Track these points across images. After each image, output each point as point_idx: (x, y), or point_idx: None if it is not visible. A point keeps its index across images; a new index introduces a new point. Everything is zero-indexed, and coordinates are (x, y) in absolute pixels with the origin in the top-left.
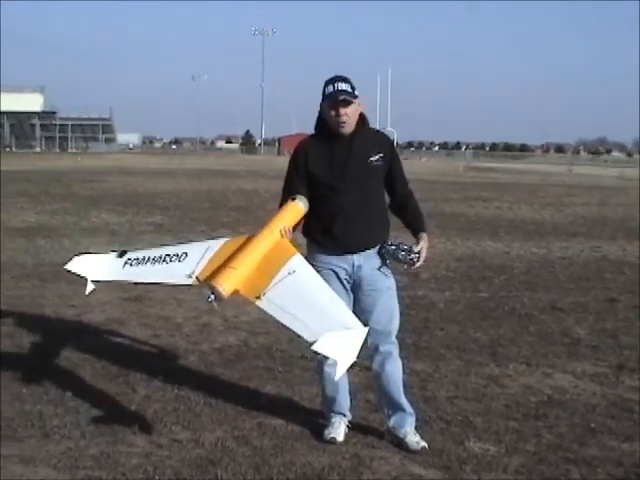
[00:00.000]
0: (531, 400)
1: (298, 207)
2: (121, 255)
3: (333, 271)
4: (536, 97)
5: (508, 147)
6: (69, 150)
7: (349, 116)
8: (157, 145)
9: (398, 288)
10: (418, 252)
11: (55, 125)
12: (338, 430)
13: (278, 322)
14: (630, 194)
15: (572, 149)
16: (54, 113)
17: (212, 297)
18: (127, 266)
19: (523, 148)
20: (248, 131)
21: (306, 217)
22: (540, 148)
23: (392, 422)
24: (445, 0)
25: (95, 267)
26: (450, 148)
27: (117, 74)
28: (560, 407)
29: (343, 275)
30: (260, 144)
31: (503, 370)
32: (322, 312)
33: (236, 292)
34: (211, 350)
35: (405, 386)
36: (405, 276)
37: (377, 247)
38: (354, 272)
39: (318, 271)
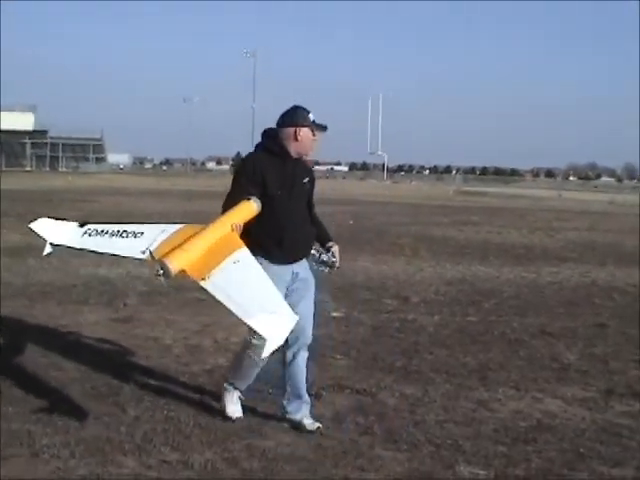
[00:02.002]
0: (520, 425)
1: (252, 206)
2: (82, 225)
3: (276, 282)
4: (526, 122)
5: (498, 171)
6: (60, 169)
7: (316, 144)
8: (148, 166)
9: (388, 312)
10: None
11: (46, 144)
12: (238, 408)
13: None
14: (620, 220)
15: (562, 174)
16: (45, 132)
17: (161, 272)
18: (86, 236)
19: (513, 172)
20: (239, 152)
21: (254, 228)
22: (530, 173)
23: (290, 408)
24: (437, 25)
25: (56, 232)
26: (440, 172)
27: (109, 94)
28: (549, 432)
29: (284, 284)
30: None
31: (492, 394)
32: (259, 297)
33: (183, 272)
34: (201, 371)
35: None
36: (395, 300)
37: (309, 253)
38: (293, 280)
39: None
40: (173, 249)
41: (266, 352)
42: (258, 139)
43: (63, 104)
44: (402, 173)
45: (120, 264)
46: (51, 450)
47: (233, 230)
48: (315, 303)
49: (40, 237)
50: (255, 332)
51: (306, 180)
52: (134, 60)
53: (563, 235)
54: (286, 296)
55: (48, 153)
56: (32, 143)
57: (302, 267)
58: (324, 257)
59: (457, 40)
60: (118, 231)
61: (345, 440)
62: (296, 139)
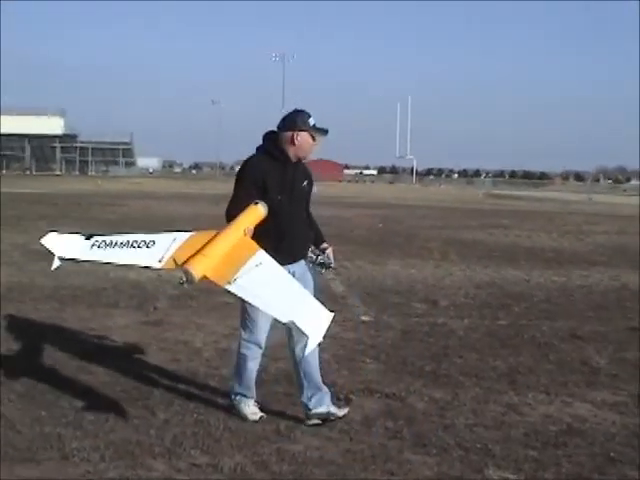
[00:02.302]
0: (550, 429)
1: (260, 211)
2: (88, 238)
3: None
4: (556, 125)
5: (527, 175)
6: (89, 173)
7: (313, 149)
8: (177, 170)
9: (418, 315)
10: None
11: (76, 148)
12: (256, 409)
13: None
14: None
15: (591, 177)
16: (75, 136)
17: (184, 279)
18: (94, 247)
19: (542, 176)
20: None
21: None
22: (559, 176)
23: (313, 403)
24: (462, 26)
25: (64, 245)
26: (469, 176)
27: (138, 98)
28: (579, 436)
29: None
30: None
31: (522, 398)
32: (292, 297)
33: (205, 277)
34: (231, 375)
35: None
36: (424, 303)
37: (306, 254)
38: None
39: None
40: (192, 256)
41: (309, 348)
42: None
43: (93, 108)
44: (431, 177)
45: (151, 269)
46: (81, 453)
47: (246, 234)
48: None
49: (49, 252)
50: (242, 326)
51: (305, 183)
52: (164, 63)
53: (593, 239)
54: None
55: (78, 157)
56: (62, 147)
57: (299, 267)
58: (320, 259)
59: (486, 43)
60: (128, 241)
61: (374, 444)
62: (293, 143)
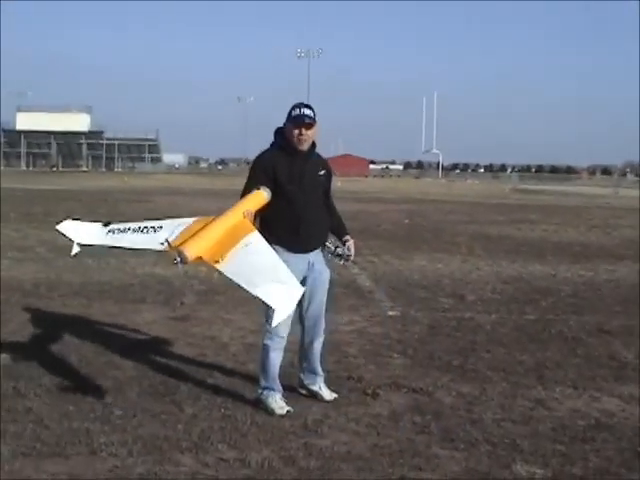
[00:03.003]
0: (578, 423)
1: (262, 195)
2: (106, 225)
3: (291, 269)
4: (582, 119)
5: (554, 169)
6: (115, 170)
7: (309, 136)
8: (203, 165)
9: (444, 310)
10: (349, 249)
11: (102, 145)
12: (283, 403)
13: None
14: None
15: (619, 171)
16: (101, 133)
17: (178, 259)
18: (110, 233)
19: (569, 170)
20: None
21: (270, 220)
22: (586, 170)
23: (307, 380)
24: (487, 24)
25: (82, 232)
26: (495, 170)
27: (164, 95)
28: (607, 431)
29: (299, 274)
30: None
31: (550, 393)
32: (267, 271)
33: (199, 258)
34: (257, 370)
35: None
36: (451, 298)
37: (324, 243)
38: (309, 269)
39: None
40: (188, 238)
41: (275, 321)
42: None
43: (119, 105)
44: (457, 171)
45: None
46: (109, 448)
47: (245, 217)
48: (330, 295)
49: (66, 238)
50: (267, 317)
51: (322, 173)
52: (190, 61)
53: (620, 233)
54: (301, 282)
55: (104, 154)
56: (88, 144)
57: (317, 258)
58: (339, 250)
59: (513, 38)
60: (139, 227)
61: (402, 439)
62: (290, 134)
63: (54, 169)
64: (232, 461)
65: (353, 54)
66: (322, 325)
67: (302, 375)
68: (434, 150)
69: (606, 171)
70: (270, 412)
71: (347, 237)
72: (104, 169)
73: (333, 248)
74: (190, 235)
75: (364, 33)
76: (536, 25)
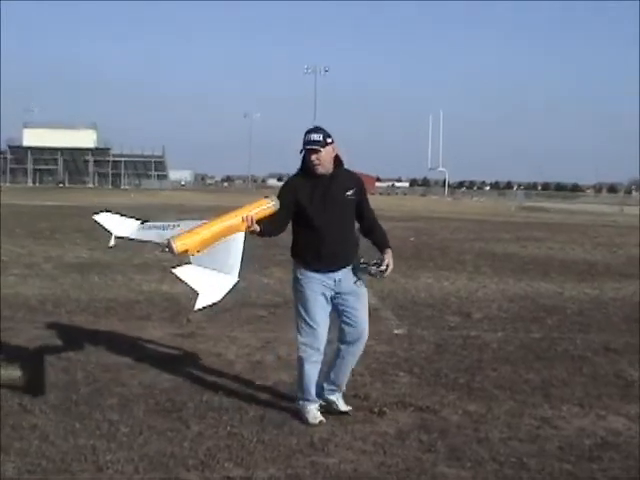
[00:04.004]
0: (585, 442)
1: (267, 203)
2: (143, 222)
3: (317, 285)
4: (588, 136)
5: (560, 187)
6: (122, 186)
7: (320, 160)
8: (209, 182)
9: (451, 328)
10: (386, 264)
11: (108, 161)
12: (318, 413)
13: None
14: None
15: (624, 189)
16: (108, 149)
17: (166, 249)
18: (142, 229)
19: (575, 188)
20: None
21: (296, 241)
22: (592, 188)
23: (328, 389)
24: (494, 41)
25: (119, 225)
26: (501, 188)
27: (170, 111)
28: (614, 449)
29: (327, 290)
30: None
31: (556, 412)
32: (217, 261)
33: (185, 251)
34: (264, 387)
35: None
36: (457, 316)
37: (352, 264)
38: (336, 285)
39: (305, 284)
40: (186, 233)
41: (198, 305)
42: None
43: (125, 122)
44: (463, 189)
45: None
46: (115, 465)
47: (243, 221)
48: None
49: (104, 229)
50: (297, 330)
51: (350, 192)
52: (196, 77)
53: (626, 251)
54: (332, 299)
55: (110, 170)
56: (94, 160)
57: (347, 276)
58: (372, 270)
59: (517, 57)
60: (162, 225)
61: (408, 457)
62: (307, 160)
63: (61, 185)
64: (238, 479)
65: (360, 71)
66: (362, 340)
67: (325, 383)
68: (440, 168)
69: (612, 189)
70: (304, 422)
71: (386, 250)
72: (110, 186)
73: (364, 267)
74: (188, 231)
75: (372, 50)
76: (542, 48)
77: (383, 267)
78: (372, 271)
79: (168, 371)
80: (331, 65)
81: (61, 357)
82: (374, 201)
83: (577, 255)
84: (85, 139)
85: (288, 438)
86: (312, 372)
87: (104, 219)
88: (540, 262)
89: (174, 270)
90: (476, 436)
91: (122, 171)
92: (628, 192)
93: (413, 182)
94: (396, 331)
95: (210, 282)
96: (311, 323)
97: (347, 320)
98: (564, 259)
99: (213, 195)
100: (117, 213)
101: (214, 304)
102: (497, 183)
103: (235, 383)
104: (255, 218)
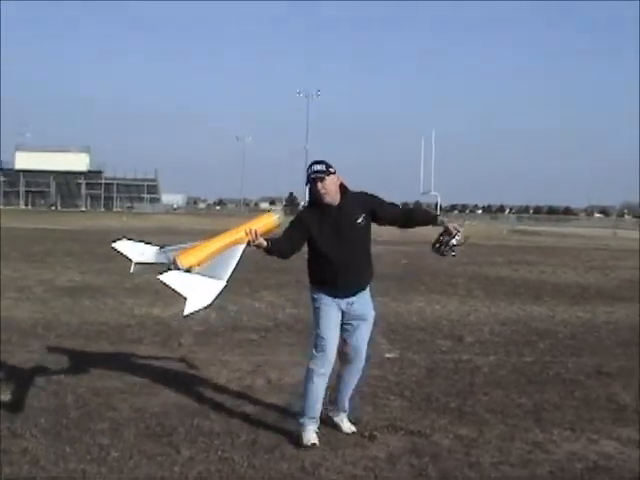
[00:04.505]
0: (576, 466)
1: (271, 217)
2: (161, 247)
3: (332, 307)
4: (579, 159)
5: (552, 210)
6: (114, 209)
7: (326, 188)
8: (201, 206)
9: (442, 352)
10: (457, 229)
11: (101, 185)
12: (314, 435)
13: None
14: None
15: (617, 212)
16: (100, 172)
17: (172, 267)
18: (162, 253)
19: (567, 211)
20: (292, 193)
21: (311, 268)
22: (584, 211)
23: (331, 413)
24: (488, 64)
25: (137, 251)
26: (493, 211)
27: (163, 134)
28: (606, 473)
29: (341, 307)
30: (304, 205)
31: (548, 436)
32: (212, 267)
33: (192, 266)
34: (255, 412)
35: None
36: (449, 340)
37: (367, 286)
38: (347, 307)
39: (320, 305)
40: (190, 249)
41: (187, 311)
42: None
43: (118, 145)
44: (455, 212)
45: (174, 304)
46: None
47: (247, 234)
48: (371, 336)
49: (124, 256)
50: (314, 344)
51: (360, 219)
52: (189, 99)
53: (618, 274)
54: (343, 316)
55: (103, 193)
56: (87, 183)
57: (360, 299)
58: (453, 241)
59: (510, 80)
60: (178, 246)
61: None
62: (314, 191)
63: (53, 208)
64: None
65: (353, 93)
66: (362, 361)
67: (334, 408)
68: (432, 192)
69: (604, 212)
70: (298, 441)
71: (441, 220)
72: (102, 209)
73: (441, 245)
74: (192, 247)
75: (365, 72)
76: (534, 71)
77: (460, 234)
78: (455, 243)
79: (159, 395)
80: (324, 88)
81: (51, 381)
82: None
83: (569, 278)
84: (78, 162)
85: (279, 463)
86: (320, 385)
87: (123, 246)
88: (532, 286)
89: (160, 277)
90: (467, 460)
91: (115, 194)
92: (620, 215)
93: (405, 206)
94: (387, 355)
95: (198, 287)
96: (324, 338)
97: (349, 340)
98: (556, 282)
99: (205, 219)
100: (135, 240)
101: (205, 308)
102: (489, 206)
103: (226, 407)
104: (259, 232)
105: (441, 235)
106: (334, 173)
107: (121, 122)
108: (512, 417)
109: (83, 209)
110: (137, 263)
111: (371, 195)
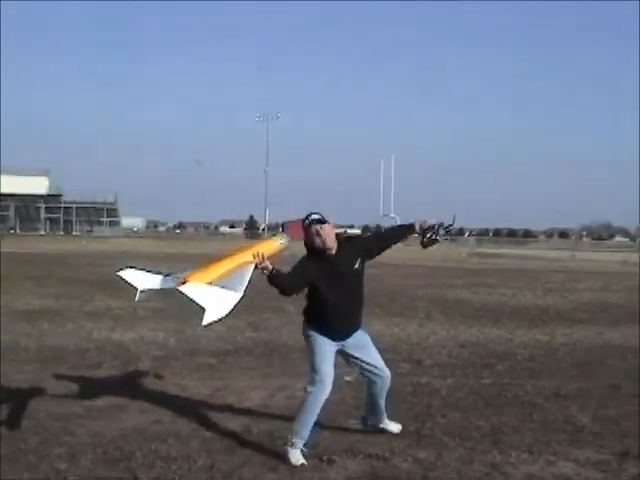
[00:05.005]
0: None
1: (276, 241)
2: (167, 275)
3: (327, 345)
4: (539, 182)
5: (512, 233)
6: (73, 233)
7: (325, 234)
8: (161, 229)
9: (401, 375)
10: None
11: (60, 208)
12: (302, 456)
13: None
14: (633, 279)
15: (576, 235)
16: (59, 196)
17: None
18: (163, 280)
19: (527, 234)
20: (252, 216)
21: (311, 311)
22: (544, 233)
23: (371, 420)
24: (447, 87)
25: (142, 279)
26: (453, 234)
27: (122, 158)
28: None
29: (335, 347)
30: (264, 229)
31: (506, 458)
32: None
33: None
34: (213, 436)
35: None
36: (408, 363)
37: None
38: (342, 344)
39: (314, 341)
40: (199, 271)
41: (205, 321)
42: (271, 203)
43: (78, 168)
44: (415, 235)
45: (134, 329)
46: None
47: (254, 257)
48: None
49: (129, 284)
50: (311, 365)
51: (357, 265)
52: (148, 123)
53: (576, 296)
54: (343, 352)
55: (62, 217)
56: (46, 207)
57: (353, 338)
58: (442, 231)
59: (468, 103)
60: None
61: None
62: (315, 241)
63: (12, 232)
64: None
65: (314, 116)
66: (385, 372)
67: (370, 416)
68: (392, 214)
69: (563, 234)
70: (287, 461)
71: (414, 224)
72: (62, 232)
73: (435, 235)
74: (202, 269)
75: (326, 95)
76: (492, 93)
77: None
78: (442, 232)
79: (117, 420)
80: (283, 110)
81: (9, 406)
82: None
83: (528, 301)
84: (37, 185)
85: None
86: (317, 411)
87: (128, 275)
88: (491, 308)
89: (180, 288)
90: None
91: (74, 217)
92: (579, 238)
93: (365, 229)
94: (346, 378)
95: (216, 298)
96: (320, 372)
97: (364, 366)
98: (516, 305)
99: (165, 242)
100: (140, 269)
101: (220, 319)
102: None
103: (184, 432)
104: (266, 255)
105: (425, 230)
106: (329, 223)
107: (81, 145)
108: (470, 440)
109: (42, 233)
110: (142, 291)
111: (356, 237)
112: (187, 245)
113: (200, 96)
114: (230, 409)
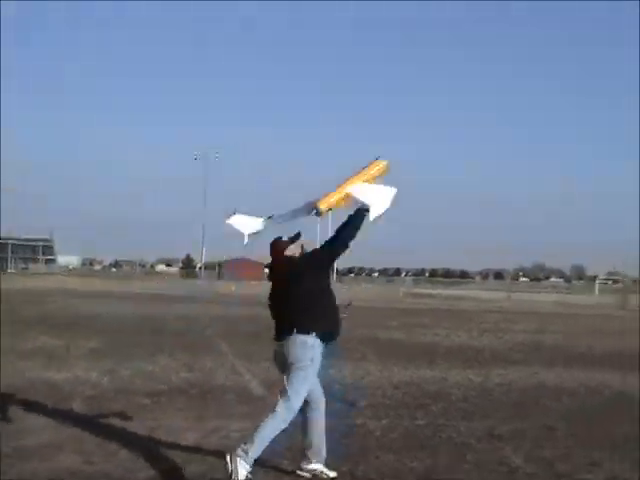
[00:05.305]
0: None
1: (382, 162)
2: (267, 218)
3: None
4: (474, 224)
5: (448, 273)
6: (8, 270)
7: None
8: (97, 267)
9: (335, 415)
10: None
11: None
12: (247, 473)
13: None
14: (567, 320)
15: (511, 275)
16: None
17: (314, 212)
18: (267, 222)
19: (463, 274)
20: (188, 255)
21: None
22: (479, 274)
23: (304, 462)
24: (393, 126)
25: (248, 224)
26: (390, 274)
27: (58, 196)
28: None
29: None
30: (200, 268)
31: None
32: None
33: (329, 209)
34: (147, 477)
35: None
36: (342, 403)
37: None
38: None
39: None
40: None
41: (371, 215)
42: (208, 241)
43: (12, 205)
44: (352, 275)
45: (69, 368)
46: None
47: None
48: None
49: (237, 230)
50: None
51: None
52: (84, 157)
53: (511, 336)
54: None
55: None
56: None
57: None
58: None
59: (402, 144)
60: (293, 211)
61: None
62: None
63: None
64: None
65: (253, 147)
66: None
67: (307, 458)
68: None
69: (499, 275)
70: (234, 475)
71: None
72: None
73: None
74: (325, 195)
75: (276, 122)
76: (426, 131)
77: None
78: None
79: (49, 461)
80: (222, 143)
81: None
82: (264, 288)
83: (463, 341)
84: None
85: None
86: (275, 432)
87: (235, 221)
88: (426, 349)
89: (348, 189)
90: None
91: (9, 255)
92: (515, 278)
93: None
94: None
95: (377, 194)
96: (299, 400)
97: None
98: (450, 345)
99: (101, 280)
100: (244, 213)
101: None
102: (385, 269)
103: (118, 473)
104: (376, 174)
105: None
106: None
107: (15, 181)
108: None
109: None
110: (250, 234)
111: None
112: (122, 283)
113: (138, 132)
114: (163, 450)
